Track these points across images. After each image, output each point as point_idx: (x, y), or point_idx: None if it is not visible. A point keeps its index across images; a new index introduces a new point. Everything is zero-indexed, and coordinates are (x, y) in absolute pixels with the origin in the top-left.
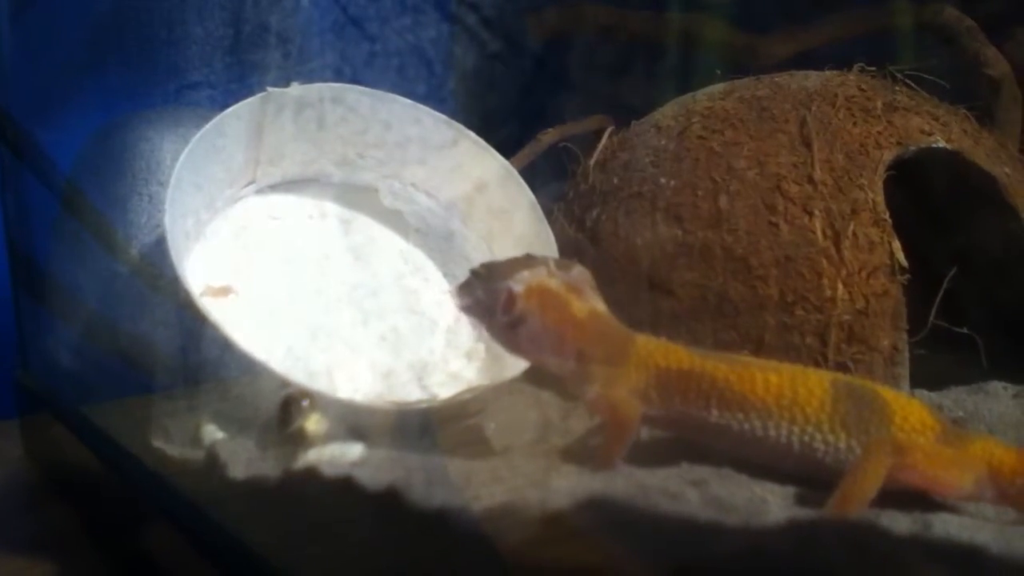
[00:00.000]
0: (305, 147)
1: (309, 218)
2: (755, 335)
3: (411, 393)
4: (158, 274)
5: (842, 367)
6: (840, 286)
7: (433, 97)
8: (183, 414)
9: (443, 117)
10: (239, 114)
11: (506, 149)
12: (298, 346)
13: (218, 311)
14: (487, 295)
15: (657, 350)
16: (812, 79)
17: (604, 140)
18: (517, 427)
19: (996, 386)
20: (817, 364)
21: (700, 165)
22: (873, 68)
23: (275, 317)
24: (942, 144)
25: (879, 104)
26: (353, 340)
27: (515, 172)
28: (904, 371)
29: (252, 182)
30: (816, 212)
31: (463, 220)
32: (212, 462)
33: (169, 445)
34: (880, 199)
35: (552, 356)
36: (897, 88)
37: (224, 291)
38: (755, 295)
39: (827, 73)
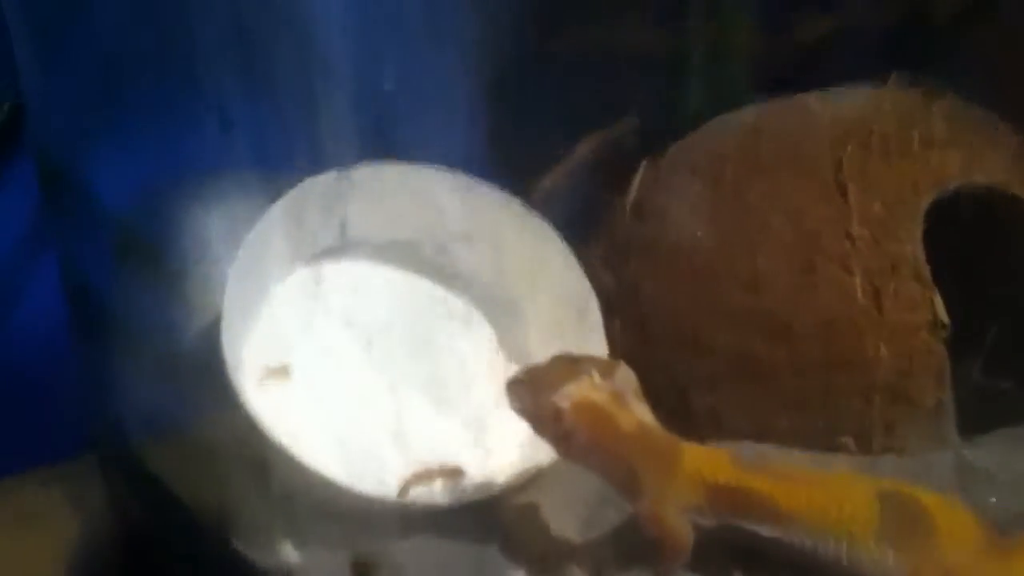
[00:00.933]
0: (358, 217)
1: (357, 283)
2: (797, 398)
3: (469, 454)
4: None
5: (888, 427)
6: (882, 347)
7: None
8: (261, 518)
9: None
10: (301, 193)
11: (538, 163)
12: (355, 426)
13: (278, 400)
14: (534, 407)
15: (705, 464)
16: (846, 105)
17: (639, 176)
18: (572, 504)
19: None
20: (862, 425)
21: (736, 221)
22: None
23: (330, 396)
24: (980, 180)
25: (915, 139)
26: (408, 407)
27: (550, 228)
28: (951, 426)
29: (300, 257)
30: (855, 270)
31: (503, 273)
32: None
33: (249, 549)
34: (920, 252)
35: (601, 469)
36: (933, 109)
37: (283, 372)
38: (796, 358)
39: (860, 95)
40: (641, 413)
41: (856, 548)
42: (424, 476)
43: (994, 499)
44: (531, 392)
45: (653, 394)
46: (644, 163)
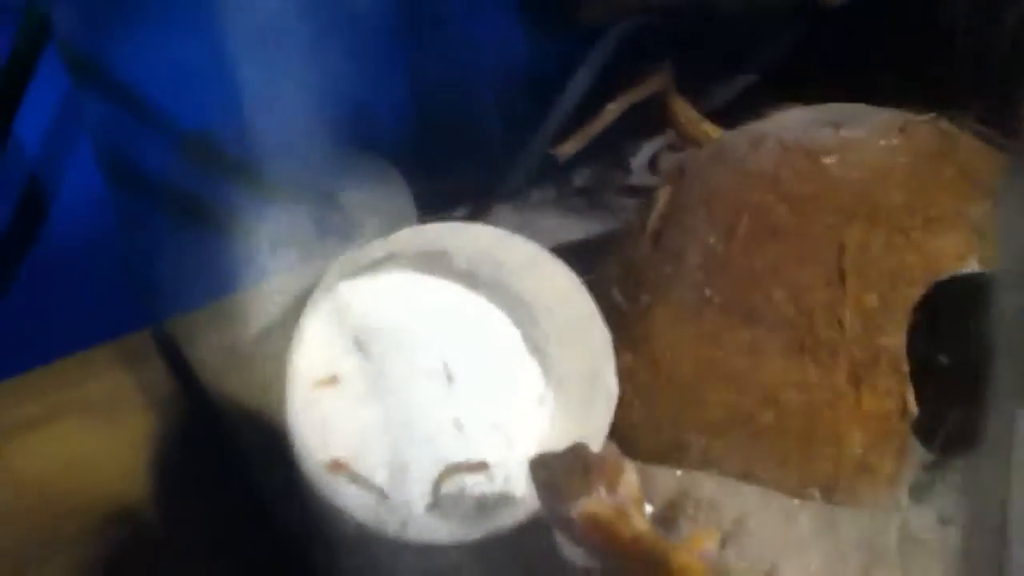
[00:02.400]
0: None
1: (389, 293)
2: (779, 456)
3: (494, 449)
4: None
5: (850, 487)
6: (855, 428)
7: None
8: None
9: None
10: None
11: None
12: (398, 431)
13: (327, 409)
14: (548, 508)
15: None
16: (859, 163)
17: (661, 203)
18: None
19: None
20: (829, 483)
21: (741, 287)
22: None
23: (374, 400)
24: (975, 269)
25: (918, 222)
26: (438, 402)
27: (573, 274)
28: (903, 490)
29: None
30: (841, 359)
31: (526, 287)
32: None
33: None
34: (902, 346)
35: (602, 562)
36: (944, 171)
37: (332, 381)
38: (779, 426)
39: (877, 144)
40: (638, 523)
41: None
42: (453, 471)
43: (922, 570)
44: (546, 495)
45: (654, 422)
46: (665, 187)
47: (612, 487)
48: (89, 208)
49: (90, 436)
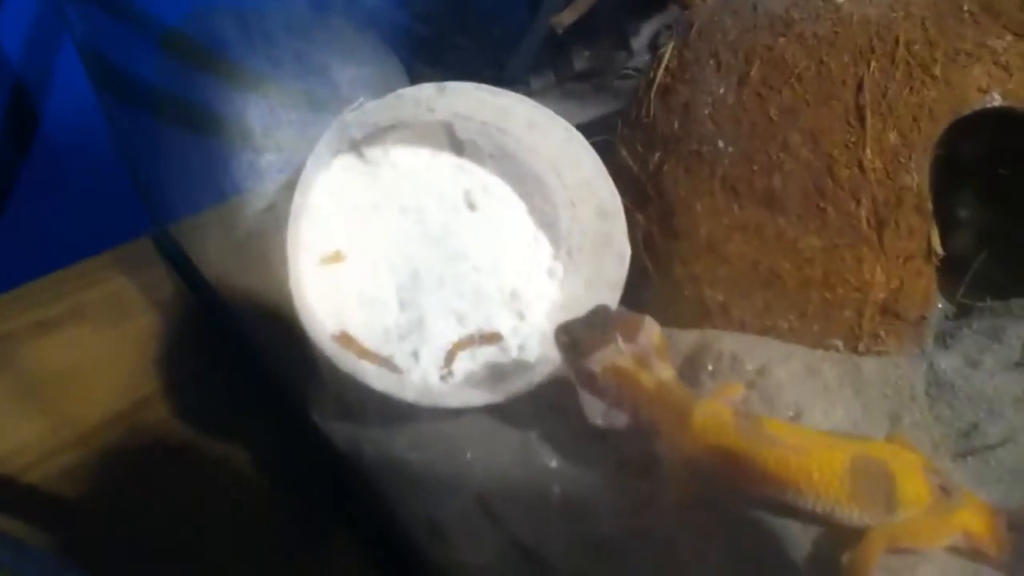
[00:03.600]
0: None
1: (393, 165)
2: (800, 306)
3: (507, 320)
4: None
5: (875, 335)
6: (878, 270)
7: None
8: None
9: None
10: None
11: None
12: (405, 300)
13: (333, 280)
14: (573, 368)
15: (711, 425)
16: (875, 6)
17: (666, 58)
18: None
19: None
20: (852, 332)
21: (757, 135)
22: None
23: (379, 274)
24: (997, 103)
25: (939, 56)
26: (448, 276)
27: (579, 135)
28: (929, 333)
29: (342, 145)
30: (863, 200)
31: (532, 153)
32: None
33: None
34: (925, 184)
35: (629, 415)
36: (965, 11)
37: (337, 257)
38: (801, 274)
39: None
40: (660, 371)
41: (831, 506)
42: (467, 343)
43: (951, 410)
44: (569, 355)
45: (672, 283)
46: (672, 43)
47: (631, 338)
48: (80, 118)
49: (97, 338)
